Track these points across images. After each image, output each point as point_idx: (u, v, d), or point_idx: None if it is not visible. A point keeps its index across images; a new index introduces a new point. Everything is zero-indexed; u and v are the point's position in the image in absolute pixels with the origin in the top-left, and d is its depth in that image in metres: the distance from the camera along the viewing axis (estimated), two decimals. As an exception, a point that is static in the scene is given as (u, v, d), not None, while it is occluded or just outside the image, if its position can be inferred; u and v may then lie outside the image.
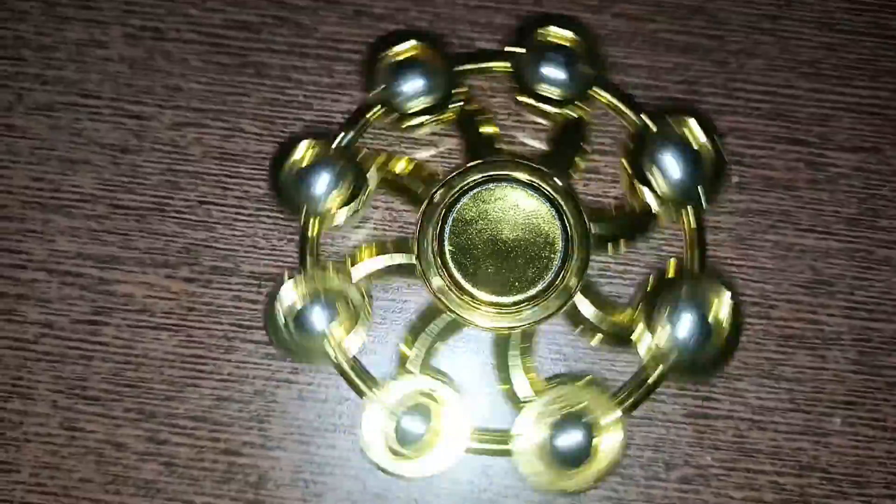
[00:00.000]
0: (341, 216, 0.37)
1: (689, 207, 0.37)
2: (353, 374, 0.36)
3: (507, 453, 0.36)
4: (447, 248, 0.36)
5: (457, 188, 0.37)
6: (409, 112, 0.38)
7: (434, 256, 0.37)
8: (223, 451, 0.38)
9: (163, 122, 0.40)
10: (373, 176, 0.38)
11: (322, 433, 0.39)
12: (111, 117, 0.40)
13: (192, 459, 0.38)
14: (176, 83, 0.40)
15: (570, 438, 0.35)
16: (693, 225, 0.37)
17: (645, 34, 0.41)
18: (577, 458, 0.35)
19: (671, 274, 0.38)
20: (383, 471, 0.35)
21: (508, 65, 0.38)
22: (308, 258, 0.37)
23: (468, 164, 0.37)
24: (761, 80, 0.41)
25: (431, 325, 0.38)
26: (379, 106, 0.38)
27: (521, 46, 0.38)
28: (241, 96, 0.40)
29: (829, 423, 0.39)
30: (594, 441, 0.35)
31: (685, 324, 0.36)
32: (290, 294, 0.36)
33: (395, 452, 0.35)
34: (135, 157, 0.40)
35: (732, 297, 0.36)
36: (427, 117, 0.38)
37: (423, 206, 0.37)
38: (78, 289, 0.39)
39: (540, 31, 0.38)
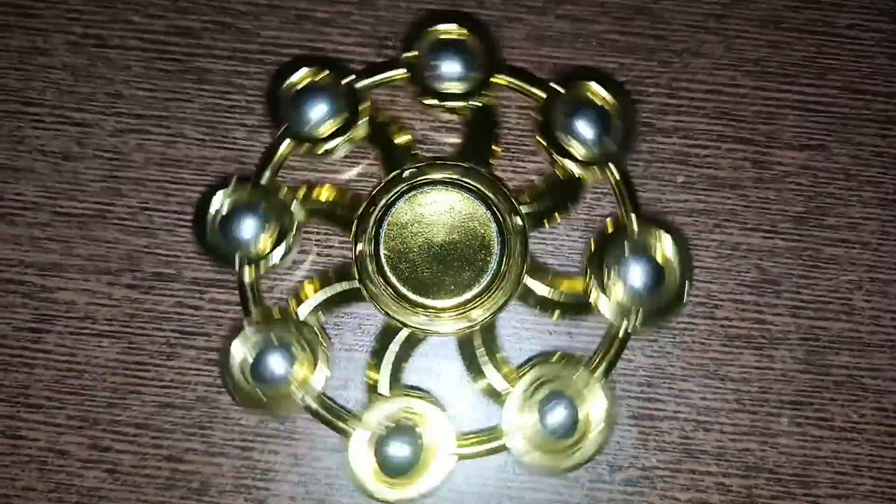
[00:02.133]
0: (275, 257, 0.37)
1: (609, 163, 0.37)
2: (326, 413, 0.36)
3: (499, 450, 0.36)
4: (382, 252, 0.36)
5: (388, 196, 0.37)
6: (320, 138, 0.37)
7: (370, 263, 0.36)
8: (166, 457, 0.38)
9: (105, 128, 0.40)
10: (298, 210, 0.37)
11: (264, 439, 0.38)
12: (53, 125, 0.40)
13: (135, 466, 0.38)
14: (118, 90, 0.40)
15: (559, 416, 0.35)
16: (619, 178, 0.37)
17: (589, 35, 0.41)
18: (570, 432, 0.35)
19: (610, 230, 0.38)
20: (383, 502, 0.35)
21: (405, 71, 0.38)
22: (252, 307, 0.37)
23: (387, 178, 0.37)
24: (706, 78, 0.40)
25: (391, 343, 0.37)
26: (289, 140, 0.37)
27: (413, 50, 0.38)
28: (184, 102, 0.40)
29: (776, 423, 0.39)
30: (581, 413, 0.35)
31: (636, 273, 0.36)
32: (242, 348, 0.36)
33: (386, 479, 0.35)
34: (77, 164, 0.40)
35: (673, 235, 0.36)
36: (339, 139, 0.38)
37: (357, 219, 0.37)
38: (20, 296, 0.39)
39: (428, 31, 0.38)
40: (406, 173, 0.37)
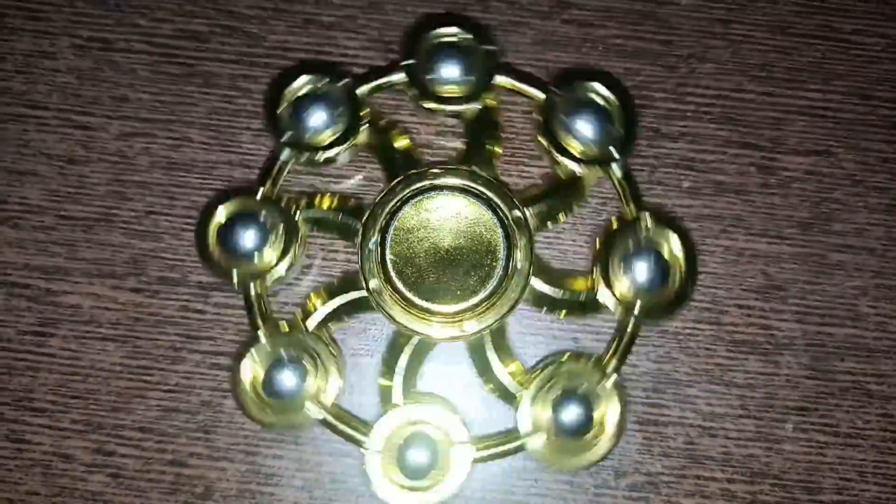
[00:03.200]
0: (281, 269, 0.37)
1: (612, 162, 0.37)
2: (341, 425, 0.36)
3: (516, 451, 0.36)
4: (388, 257, 0.36)
5: (390, 205, 0.37)
6: (321, 146, 0.37)
7: (376, 268, 0.36)
8: (170, 462, 0.38)
9: (110, 132, 0.40)
10: (301, 220, 0.37)
11: (268, 443, 0.38)
12: (59, 128, 0.40)
13: (139, 471, 0.38)
14: (124, 93, 0.40)
15: (573, 414, 0.35)
16: (621, 176, 0.37)
17: (595, 40, 0.41)
18: (585, 429, 0.36)
19: (616, 227, 0.38)
20: None
21: (404, 75, 0.38)
22: (259, 323, 0.36)
23: (393, 183, 0.37)
24: (712, 84, 0.40)
25: (403, 350, 0.37)
26: (289, 149, 0.37)
27: (413, 54, 0.38)
28: (190, 106, 0.40)
29: (781, 429, 0.39)
30: (595, 409, 0.36)
31: (642, 268, 0.36)
32: (252, 366, 0.36)
33: (405, 486, 0.35)
34: (82, 168, 0.40)
35: (678, 231, 0.36)
36: (340, 147, 0.37)
37: (362, 224, 0.37)
38: (25, 300, 0.39)
39: (428, 34, 0.38)
40: (412, 178, 0.37)
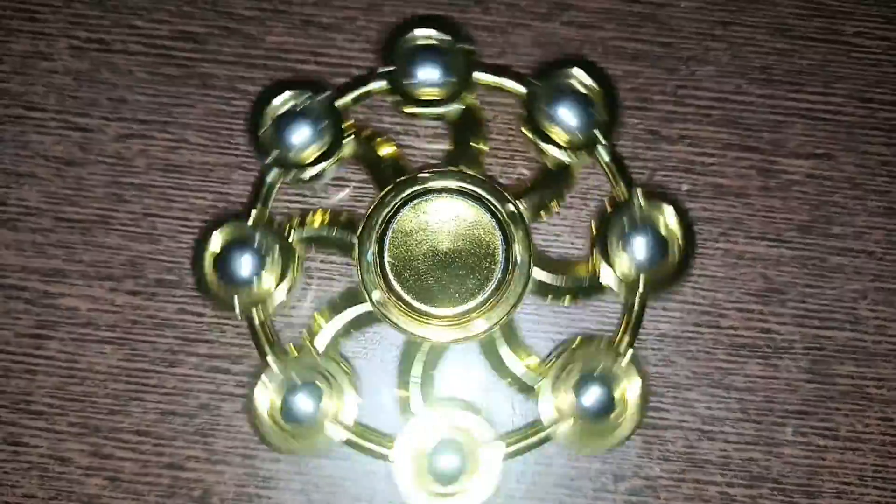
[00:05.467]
0: (281, 294, 0.36)
1: (598, 147, 0.37)
2: (365, 443, 0.36)
3: (543, 442, 0.36)
4: (387, 260, 0.36)
5: (387, 209, 0.36)
6: (307, 163, 0.37)
7: (374, 272, 0.36)
8: (167, 465, 0.38)
9: (108, 134, 0.40)
10: (296, 240, 0.37)
11: (266, 447, 0.38)
12: (56, 130, 0.40)
13: (137, 474, 0.38)
14: (121, 95, 0.40)
15: (594, 396, 0.35)
16: (608, 159, 0.37)
17: (594, 42, 0.41)
18: (608, 410, 0.36)
19: (610, 209, 0.38)
20: None
21: (385, 83, 0.38)
22: (267, 350, 0.36)
23: (382, 194, 0.37)
24: (712, 86, 0.40)
25: (416, 358, 0.37)
26: (276, 169, 0.37)
27: (390, 60, 0.38)
28: (187, 108, 0.40)
29: (781, 432, 0.38)
30: (615, 389, 0.36)
31: (640, 245, 0.36)
32: (266, 394, 0.35)
33: (438, 494, 0.35)
34: (80, 170, 0.40)
35: (671, 204, 0.36)
36: (326, 162, 0.37)
37: (359, 233, 0.37)
38: (22, 302, 0.39)
39: (403, 39, 0.38)
40: (402, 185, 0.37)
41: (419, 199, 0.36)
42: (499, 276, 0.36)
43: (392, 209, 0.36)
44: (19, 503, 0.38)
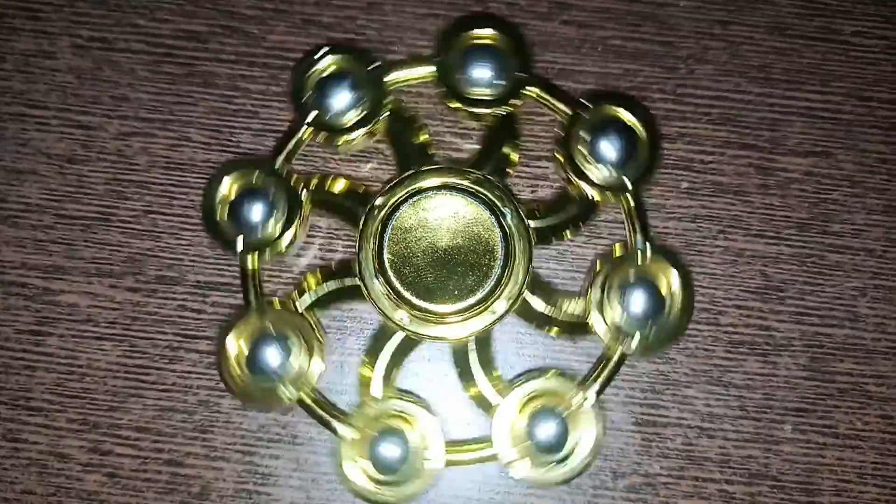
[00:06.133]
0: (282, 244, 0.36)
1: (626, 192, 0.37)
2: (318, 409, 0.36)
3: (488, 460, 0.36)
4: (386, 256, 0.36)
5: (394, 199, 0.37)
6: (340, 128, 0.37)
7: (373, 266, 0.36)
8: (166, 461, 0.38)
9: (109, 132, 0.40)
10: (307, 199, 0.37)
11: (266, 443, 0.38)
12: (58, 128, 0.40)
13: (136, 470, 0.38)
14: (123, 93, 0.40)
15: (548, 431, 0.35)
16: (633, 206, 0.37)
17: (594, 41, 0.41)
18: (558, 448, 0.35)
19: (617, 255, 0.37)
20: (369, 502, 0.35)
21: (434, 70, 0.38)
22: (251, 296, 0.36)
23: (402, 176, 0.37)
24: (711, 85, 0.40)
25: (387, 344, 0.37)
26: (307, 126, 0.37)
27: (446, 51, 0.38)
28: (189, 106, 0.40)
29: (780, 430, 0.38)
30: (571, 430, 0.35)
31: (638, 301, 0.36)
32: (238, 338, 0.36)
33: (376, 481, 0.35)
34: (81, 167, 0.40)
35: (680, 270, 0.36)
36: (358, 132, 0.37)
37: (362, 221, 0.37)
38: (22, 299, 0.39)
39: (464, 34, 0.38)
40: (412, 176, 0.37)
41: (426, 194, 0.36)
42: (497, 274, 0.36)
43: (397, 200, 0.36)
44: (18, 499, 0.38)
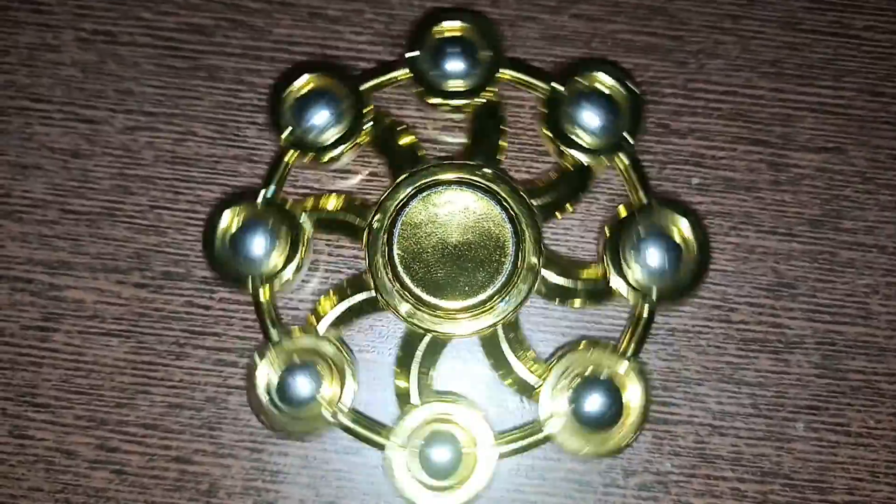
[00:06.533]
0: (288, 273, 0.36)
1: (619, 152, 0.37)
2: (360, 429, 0.35)
3: (541, 443, 0.35)
4: (396, 252, 0.36)
5: (397, 200, 0.36)
6: (325, 145, 0.37)
7: (383, 264, 0.36)
8: (174, 458, 0.38)
9: (114, 126, 0.40)
10: (306, 221, 0.37)
11: (274, 440, 0.38)
12: (62, 122, 0.40)
13: (143, 467, 0.38)
14: (128, 87, 0.40)
15: (594, 402, 0.35)
16: (628, 164, 0.37)
17: (604, 35, 0.40)
18: (607, 417, 0.35)
19: (624, 215, 0.37)
20: None
21: (408, 71, 0.37)
22: (270, 329, 0.36)
23: (400, 179, 0.37)
24: (722, 80, 0.40)
25: (416, 351, 0.37)
26: (293, 149, 0.37)
27: (416, 49, 0.37)
28: (194, 100, 0.40)
29: (792, 428, 0.38)
30: (616, 395, 0.35)
31: (654, 254, 0.36)
32: (266, 372, 0.35)
33: (430, 487, 0.35)
34: (86, 162, 0.39)
35: (687, 216, 0.36)
36: (344, 146, 0.37)
37: (371, 217, 0.36)
38: (28, 295, 0.39)
39: (433, 29, 0.37)
40: (417, 174, 0.36)
41: (432, 190, 0.36)
42: (509, 268, 0.36)
43: (405, 198, 0.36)
44: (25, 496, 0.38)
